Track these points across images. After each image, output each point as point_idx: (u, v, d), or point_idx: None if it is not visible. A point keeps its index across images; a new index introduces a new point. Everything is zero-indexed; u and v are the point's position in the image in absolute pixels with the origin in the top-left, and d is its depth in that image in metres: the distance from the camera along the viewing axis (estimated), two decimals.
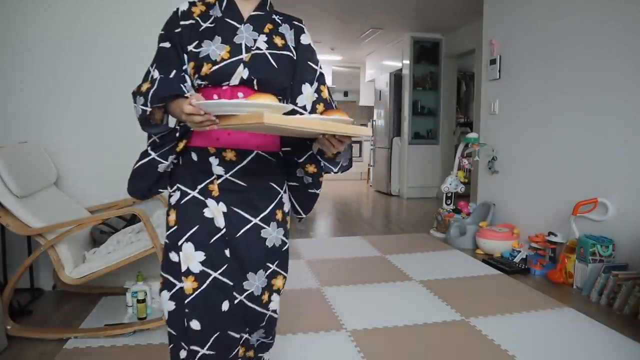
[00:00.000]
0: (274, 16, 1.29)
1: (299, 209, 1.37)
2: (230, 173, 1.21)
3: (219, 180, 1.20)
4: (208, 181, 1.20)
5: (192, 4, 1.23)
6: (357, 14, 5.69)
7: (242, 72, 1.16)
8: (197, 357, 1.18)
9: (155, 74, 1.17)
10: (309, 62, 1.28)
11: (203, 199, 1.19)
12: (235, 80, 1.17)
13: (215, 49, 1.16)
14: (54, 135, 2.68)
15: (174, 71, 1.17)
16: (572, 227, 2.94)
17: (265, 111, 0.88)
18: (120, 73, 2.71)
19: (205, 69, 1.15)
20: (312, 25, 6.28)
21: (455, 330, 2.21)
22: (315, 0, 5.16)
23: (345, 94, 9.79)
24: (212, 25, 1.20)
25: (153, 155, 1.20)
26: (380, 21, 6.05)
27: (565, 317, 2.37)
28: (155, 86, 1.11)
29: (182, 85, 1.13)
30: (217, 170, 1.20)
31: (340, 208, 5.99)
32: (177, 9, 1.23)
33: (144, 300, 2.22)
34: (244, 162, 1.22)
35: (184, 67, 1.18)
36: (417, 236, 4.23)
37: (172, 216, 1.20)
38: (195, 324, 1.16)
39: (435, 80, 6.72)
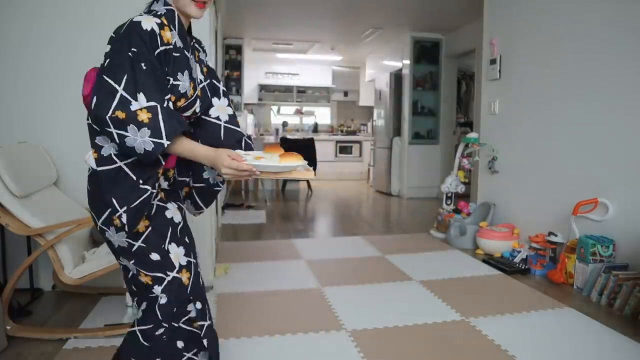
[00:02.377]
0: (193, 41, 1.37)
1: (202, 205, 1.53)
2: (168, 184, 1.39)
3: (163, 187, 1.37)
4: (158, 190, 1.33)
5: (160, 27, 1.18)
6: (357, 14, 5.68)
7: (197, 107, 1.32)
8: (203, 331, 1.34)
9: (151, 101, 1.13)
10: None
11: (163, 204, 1.32)
12: (189, 112, 1.31)
13: (186, 83, 1.25)
14: (54, 135, 2.68)
15: (167, 102, 1.19)
16: (572, 227, 2.94)
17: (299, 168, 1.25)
18: None
19: (180, 103, 1.25)
20: (313, 25, 6.28)
21: (455, 330, 2.21)
22: (316, 0, 5.16)
23: (345, 94, 9.79)
24: (177, 55, 1.23)
25: (149, 189, 1.22)
26: (380, 21, 6.05)
27: (565, 317, 2.37)
28: (166, 117, 1.14)
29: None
30: (163, 184, 1.36)
31: (340, 208, 5.99)
32: (146, 28, 1.15)
33: None
34: (172, 174, 1.40)
35: (167, 98, 1.20)
36: (417, 236, 4.23)
37: (142, 224, 1.26)
38: (198, 305, 1.33)
39: (435, 80, 6.72)
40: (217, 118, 1.42)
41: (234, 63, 7.13)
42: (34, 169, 2.36)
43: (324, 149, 8.85)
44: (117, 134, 1.11)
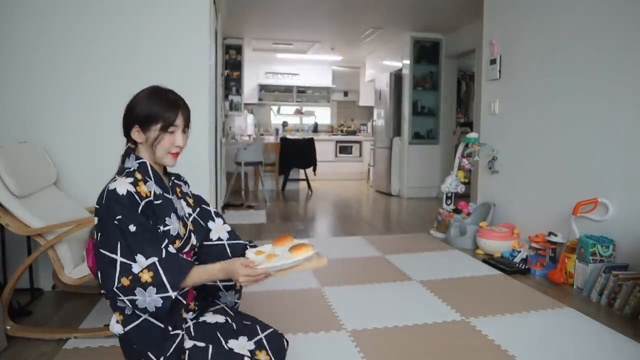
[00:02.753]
0: (172, 178, 1.43)
1: None
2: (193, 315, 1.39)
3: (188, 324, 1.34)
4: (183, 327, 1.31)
5: (134, 184, 1.22)
6: (357, 14, 5.68)
7: (193, 240, 1.36)
8: None
9: (150, 258, 1.16)
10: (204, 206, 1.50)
11: (199, 320, 1.34)
12: (187, 248, 1.34)
13: (175, 224, 1.28)
14: (54, 135, 2.68)
15: (164, 250, 1.19)
16: (572, 227, 2.94)
17: (305, 261, 1.26)
18: (120, 72, 2.71)
19: (176, 245, 1.27)
20: (313, 25, 6.28)
21: (455, 330, 2.21)
22: (316, 0, 5.16)
23: (345, 94, 9.80)
24: (159, 202, 1.27)
25: (180, 332, 1.25)
26: (380, 21, 6.05)
27: (565, 317, 2.37)
28: (167, 268, 1.16)
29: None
30: (189, 319, 1.36)
31: (340, 208, 5.99)
32: (122, 193, 1.19)
33: None
34: (193, 306, 1.41)
35: (164, 246, 1.20)
36: (417, 236, 4.23)
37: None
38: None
39: (435, 80, 6.72)
40: (219, 239, 1.45)
41: (234, 63, 7.13)
42: (34, 169, 2.36)
43: (324, 149, 8.86)
44: (128, 300, 1.17)
